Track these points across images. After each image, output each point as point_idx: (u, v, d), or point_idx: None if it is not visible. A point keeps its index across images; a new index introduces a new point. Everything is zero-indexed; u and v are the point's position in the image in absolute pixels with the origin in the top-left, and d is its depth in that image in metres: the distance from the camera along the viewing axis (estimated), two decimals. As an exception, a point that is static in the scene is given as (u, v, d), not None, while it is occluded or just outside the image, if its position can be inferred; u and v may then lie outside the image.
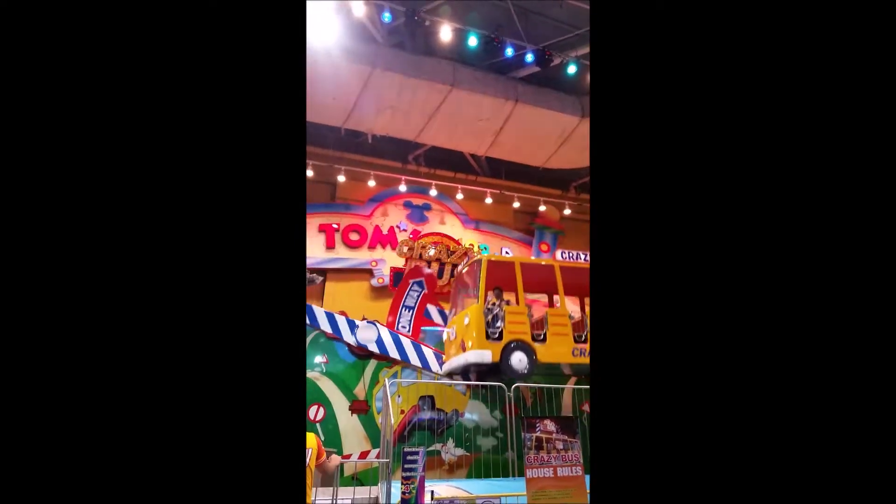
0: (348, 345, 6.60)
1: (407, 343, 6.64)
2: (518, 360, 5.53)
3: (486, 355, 5.40)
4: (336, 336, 6.59)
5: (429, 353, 6.67)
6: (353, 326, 6.64)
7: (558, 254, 6.88)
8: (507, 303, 6.25)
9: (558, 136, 8.77)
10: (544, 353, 5.65)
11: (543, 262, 6.95)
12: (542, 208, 10.35)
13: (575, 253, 6.93)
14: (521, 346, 5.63)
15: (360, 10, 6.63)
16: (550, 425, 3.96)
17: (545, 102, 8.19)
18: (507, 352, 5.50)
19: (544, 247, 10.66)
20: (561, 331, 5.85)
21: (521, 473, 3.64)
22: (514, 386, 6.32)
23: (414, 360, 6.56)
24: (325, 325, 6.65)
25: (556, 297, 6.61)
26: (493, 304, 6.13)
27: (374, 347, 6.51)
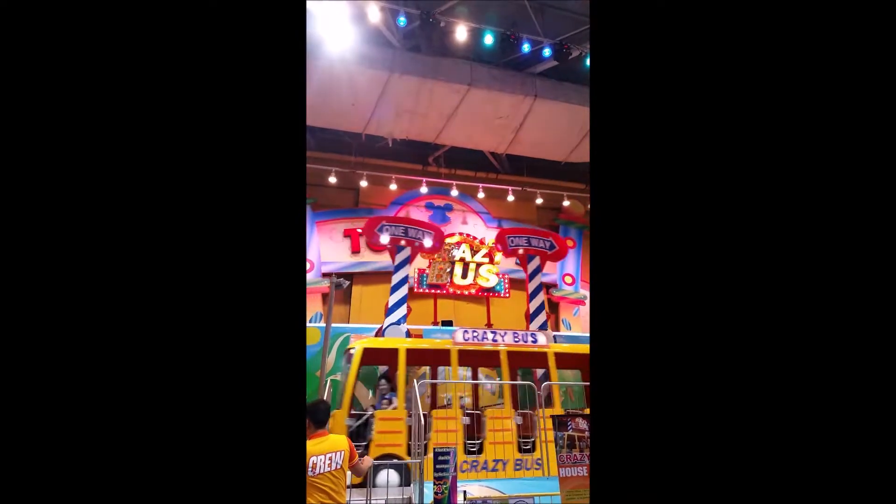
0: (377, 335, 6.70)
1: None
2: (383, 481, 4.50)
3: None
4: (387, 311, 6.68)
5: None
6: (401, 321, 6.71)
7: (460, 334, 5.97)
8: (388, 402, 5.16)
9: (579, 130, 8.63)
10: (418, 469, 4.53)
11: (438, 346, 5.87)
12: (566, 203, 10.22)
13: (482, 332, 6.02)
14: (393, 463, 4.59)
15: (375, 17, 6.70)
16: (582, 423, 3.90)
17: (565, 96, 8.07)
18: (374, 470, 4.34)
19: (570, 242, 10.52)
20: (448, 425, 5.02)
21: (554, 472, 3.59)
22: (543, 384, 6.26)
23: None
24: (394, 298, 6.80)
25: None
26: (373, 405, 5.24)
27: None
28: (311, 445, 2.59)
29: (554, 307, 10.15)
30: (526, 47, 7.39)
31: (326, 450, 2.59)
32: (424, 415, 5.01)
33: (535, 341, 6.22)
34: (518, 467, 4.90)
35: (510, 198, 9.77)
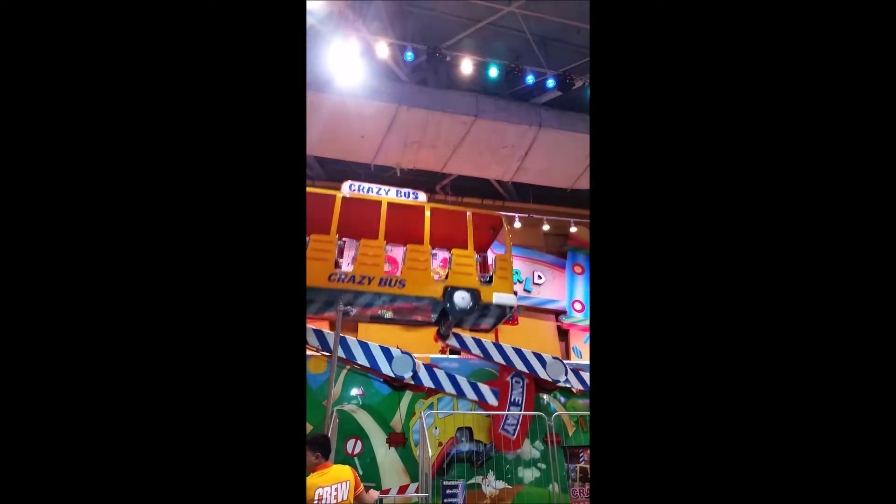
0: (384, 376, 6.56)
1: (441, 374, 6.52)
2: None
3: None
4: (373, 369, 6.55)
5: (463, 381, 6.52)
6: (389, 357, 6.59)
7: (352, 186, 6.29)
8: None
9: (585, 157, 8.74)
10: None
11: (373, 199, 6.36)
12: (573, 229, 10.22)
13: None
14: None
15: (383, 52, 6.97)
16: (594, 455, 3.77)
17: (569, 125, 8.23)
18: None
19: (578, 269, 10.47)
20: (322, 255, 5.74)
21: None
22: (554, 415, 6.10)
23: (448, 388, 6.38)
24: (360, 358, 6.63)
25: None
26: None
27: (409, 378, 6.43)
28: (316, 478, 2.55)
29: (564, 335, 10.01)
30: (530, 79, 7.61)
31: (331, 481, 2.55)
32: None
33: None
34: (331, 280, 5.56)
35: (517, 224, 9.81)
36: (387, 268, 5.88)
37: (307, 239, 5.74)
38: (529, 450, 6.08)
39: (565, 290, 10.29)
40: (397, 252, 6.19)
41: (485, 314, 6.24)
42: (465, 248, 6.24)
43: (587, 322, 10.12)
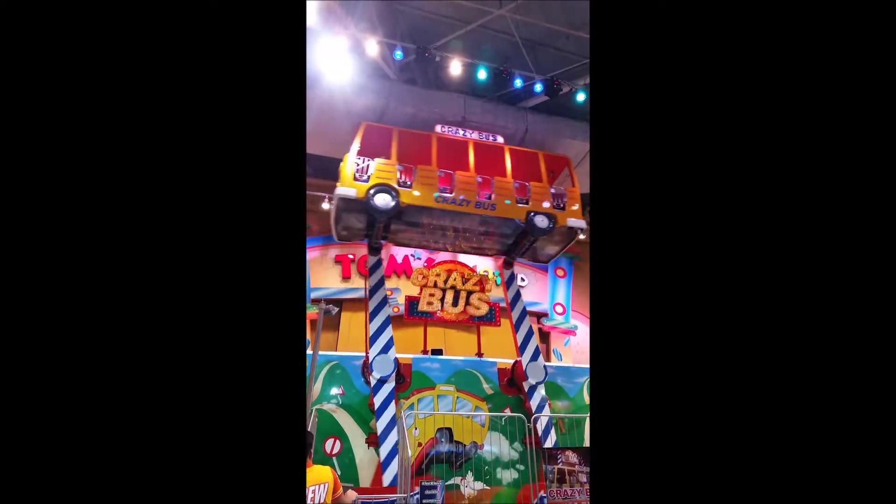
0: (364, 360, 6.51)
1: (391, 408, 6.09)
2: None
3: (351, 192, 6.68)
4: (369, 342, 6.39)
5: (393, 434, 5.83)
6: (387, 347, 6.51)
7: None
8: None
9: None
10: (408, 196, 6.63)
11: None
12: (557, 234, 10.33)
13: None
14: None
15: (373, 50, 6.92)
16: (573, 457, 3.82)
17: (555, 130, 8.31)
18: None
19: (560, 272, 10.57)
20: (428, 181, 6.90)
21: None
22: (534, 417, 6.14)
23: (382, 422, 5.93)
24: (375, 324, 6.58)
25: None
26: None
27: (371, 380, 6.23)
28: (294, 477, 2.51)
29: (545, 337, 10.10)
30: (518, 82, 7.65)
31: (309, 482, 2.51)
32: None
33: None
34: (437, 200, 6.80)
35: (502, 227, 9.84)
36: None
37: (414, 169, 6.77)
38: (508, 451, 6.11)
39: (547, 294, 10.39)
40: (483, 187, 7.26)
41: (554, 238, 7.43)
42: (540, 181, 7.35)
43: (567, 325, 10.22)
